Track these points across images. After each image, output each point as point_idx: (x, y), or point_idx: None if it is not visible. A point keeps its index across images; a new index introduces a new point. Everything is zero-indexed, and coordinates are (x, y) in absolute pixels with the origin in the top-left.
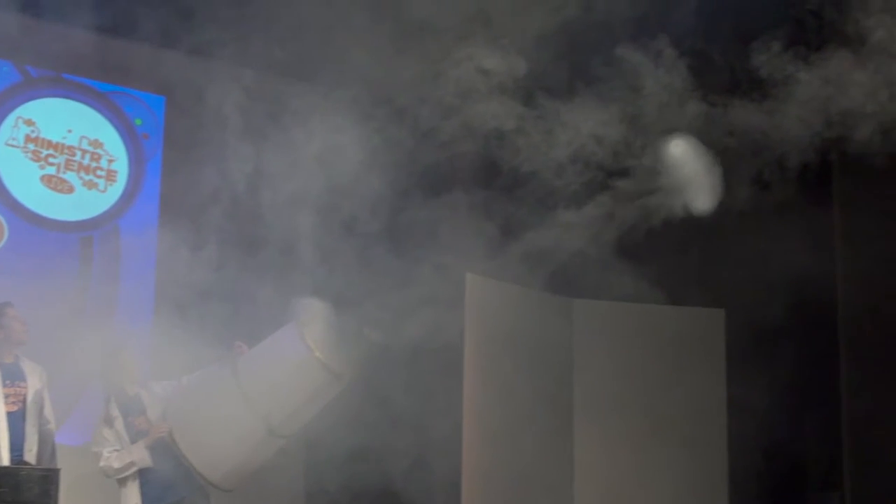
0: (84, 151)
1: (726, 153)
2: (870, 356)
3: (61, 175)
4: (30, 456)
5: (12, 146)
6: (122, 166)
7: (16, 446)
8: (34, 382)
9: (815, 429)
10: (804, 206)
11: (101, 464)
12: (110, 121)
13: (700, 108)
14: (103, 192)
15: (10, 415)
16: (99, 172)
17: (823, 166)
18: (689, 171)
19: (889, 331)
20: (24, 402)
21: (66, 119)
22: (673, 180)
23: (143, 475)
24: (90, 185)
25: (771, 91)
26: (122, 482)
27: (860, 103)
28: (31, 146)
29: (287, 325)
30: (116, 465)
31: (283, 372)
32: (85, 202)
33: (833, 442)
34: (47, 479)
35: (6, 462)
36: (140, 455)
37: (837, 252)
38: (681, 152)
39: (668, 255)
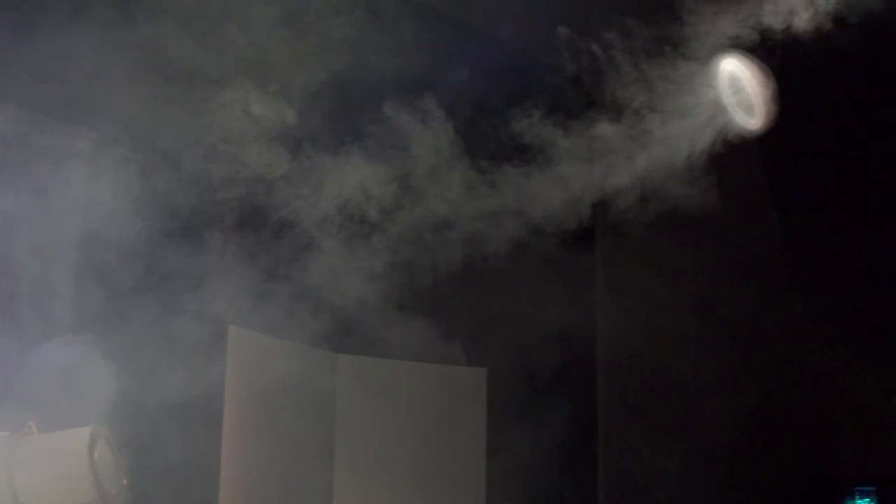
0: None
1: (490, 214)
2: (627, 413)
3: None
4: None
5: None
6: None
7: None
8: None
9: (573, 487)
10: (568, 263)
11: None
12: None
13: (466, 172)
14: None
15: None
16: None
17: (587, 226)
18: (735, 90)
19: (644, 388)
20: None
21: None
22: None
23: None
24: None
25: (533, 157)
26: None
27: (617, 170)
28: None
29: (81, 429)
30: None
31: (57, 472)
32: None
33: (591, 500)
34: None
35: None
36: None
37: (599, 309)
38: (729, 73)
39: (434, 312)
